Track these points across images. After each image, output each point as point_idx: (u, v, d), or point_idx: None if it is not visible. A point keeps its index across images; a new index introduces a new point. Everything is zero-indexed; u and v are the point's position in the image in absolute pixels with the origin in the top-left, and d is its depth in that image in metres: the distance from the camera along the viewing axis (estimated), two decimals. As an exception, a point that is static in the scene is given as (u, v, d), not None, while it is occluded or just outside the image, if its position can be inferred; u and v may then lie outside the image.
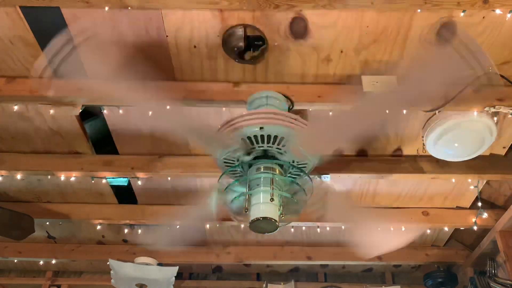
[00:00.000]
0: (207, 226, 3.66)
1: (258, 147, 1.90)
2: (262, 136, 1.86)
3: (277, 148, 1.89)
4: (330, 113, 2.59)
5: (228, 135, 1.87)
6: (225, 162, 1.97)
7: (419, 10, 2.15)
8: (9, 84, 2.47)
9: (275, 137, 1.86)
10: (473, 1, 1.99)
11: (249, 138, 1.87)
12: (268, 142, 1.87)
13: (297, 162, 1.94)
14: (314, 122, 2.31)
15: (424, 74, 1.48)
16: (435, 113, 2.52)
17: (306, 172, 1.97)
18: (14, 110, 2.65)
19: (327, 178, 3.03)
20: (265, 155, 1.93)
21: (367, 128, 1.96)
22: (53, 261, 4.17)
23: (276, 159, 1.93)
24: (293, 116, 1.88)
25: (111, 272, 3.69)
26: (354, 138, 2.02)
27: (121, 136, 2.92)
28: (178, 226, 2.46)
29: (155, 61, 2.41)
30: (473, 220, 3.35)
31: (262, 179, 1.87)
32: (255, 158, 1.93)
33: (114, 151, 3.03)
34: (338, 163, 2.93)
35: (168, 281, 3.75)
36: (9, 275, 4.46)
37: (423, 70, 1.50)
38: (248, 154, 1.93)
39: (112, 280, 3.72)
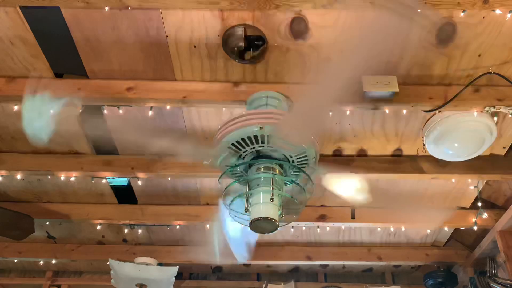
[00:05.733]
0: (207, 226, 3.66)
1: (250, 149, 1.90)
2: (249, 138, 1.86)
3: (268, 147, 1.89)
4: (331, 113, 2.59)
5: (214, 146, 1.90)
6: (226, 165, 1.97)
7: (419, 10, 2.15)
8: (9, 84, 2.47)
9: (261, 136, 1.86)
10: (473, 1, 1.99)
11: (237, 142, 1.88)
12: (257, 143, 1.87)
13: (294, 158, 1.93)
14: (287, 112, 2.29)
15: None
16: (435, 113, 2.52)
17: (307, 172, 1.97)
18: (14, 110, 2.64)
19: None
20: (262, 156, 1.93)
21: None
22: (53, 261, 4.17)
23: (274, 158, 1.92)
24: (268, 111, 1.90)
25: (111, 272, 3.69)
26: (323, 118, 2.05)
27: (121, 136, 2.92)
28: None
29: (155, 61, 2.41)
30: (473, 220, 3.35)
31: (262, 179, 1.87)
32: (253, 159, 1.94)
33: (114, 151, 3.03)
34: (338, 163, 2.93)
35: (168, 281, 3.76)
36: (9, 275, 4.46)
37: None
38: (243, 157, 1.94)
39: (112, 280, 3.72)
